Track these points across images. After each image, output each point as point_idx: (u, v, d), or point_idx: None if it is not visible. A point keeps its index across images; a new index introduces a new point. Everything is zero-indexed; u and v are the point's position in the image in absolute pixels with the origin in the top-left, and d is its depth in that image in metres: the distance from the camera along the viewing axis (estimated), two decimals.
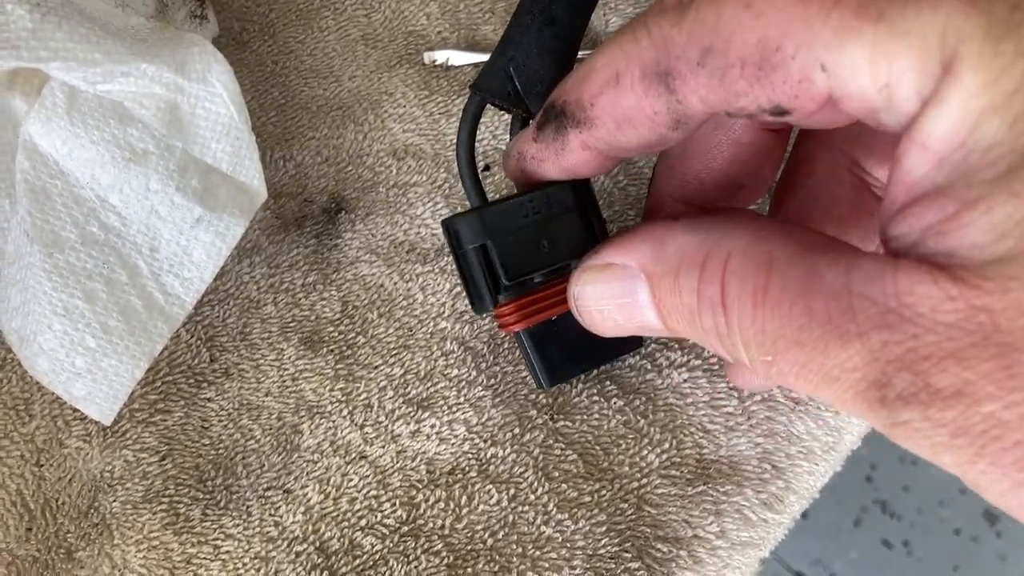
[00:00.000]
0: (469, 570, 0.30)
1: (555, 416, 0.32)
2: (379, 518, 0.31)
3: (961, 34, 0.15)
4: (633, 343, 0.30)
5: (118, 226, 0.30)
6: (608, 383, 0.32)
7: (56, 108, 0.29)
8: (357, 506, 0.32)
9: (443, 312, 0.34)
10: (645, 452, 0.31)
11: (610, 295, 0.22)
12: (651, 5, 0.21)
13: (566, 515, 0.30)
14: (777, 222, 0.20)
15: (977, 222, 0.15)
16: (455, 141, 0.35)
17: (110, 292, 0.30)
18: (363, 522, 0.31)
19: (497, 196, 0.32)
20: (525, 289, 0.28)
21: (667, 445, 0.31)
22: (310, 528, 0.31)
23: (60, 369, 0.30)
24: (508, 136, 0.33)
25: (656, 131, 0.21)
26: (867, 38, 0.16)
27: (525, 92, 0.27)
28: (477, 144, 0.35)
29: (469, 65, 0.37)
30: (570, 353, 0.29)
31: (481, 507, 0.31)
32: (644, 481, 0.31)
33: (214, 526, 0.32)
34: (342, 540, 0.31)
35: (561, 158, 0.24)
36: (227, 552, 0.31)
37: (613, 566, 0.30)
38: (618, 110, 0.21)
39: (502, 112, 0.35)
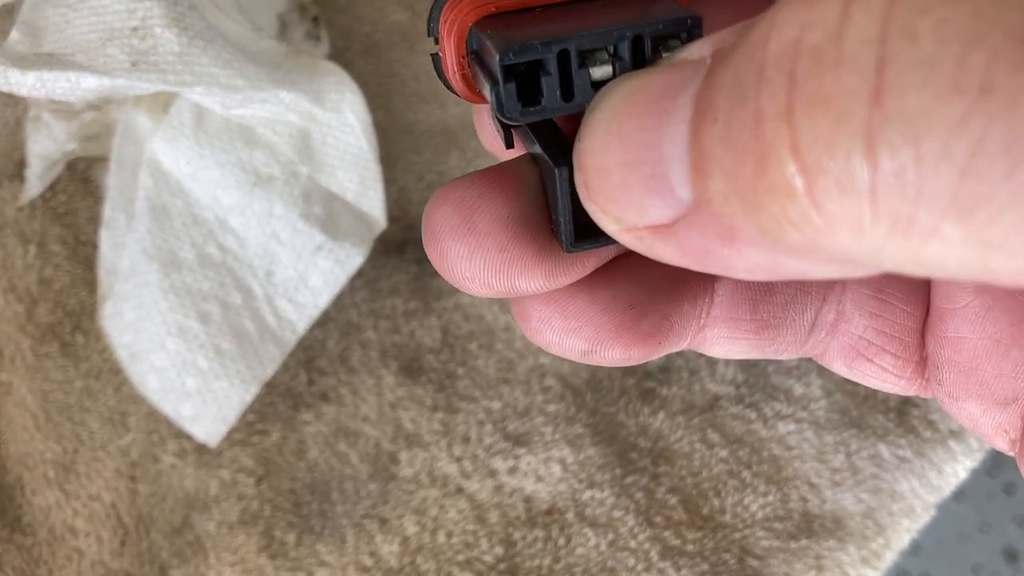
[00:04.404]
0: None
1: (656, 460, 0.32)
2: (476, 554, 0.31)
3: None
4: None
5: (235, 248, 0.30)
6: (710, 431, 0.32)
7: (183, 128, 0.29)
8: (454, 540, 0.31)
9: None
10: (748, 502, 0.31)
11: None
12: None
13: (668, 563, 0.30)
14: None
15: None
16: None
17: (224, 314, 0.29)
18: (460, 557, 0.31)
19: None
20: None
21: (771, 497, 0.31)
22: (406, 560, 0.31)
23: (170, 388, 0.30)
24: None
25: None
26: None
27: None
28: None
29: None
30: None
31: (579, 550, 0.31)
32: (747, 532, 0.31)
33: (308, 552, 0.32)
34: (439, 574, 0.31)
35: None
36: None
37: None
38: None
39: None
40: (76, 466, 0.33)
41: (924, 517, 0.32)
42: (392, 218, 0.35)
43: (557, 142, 0.14)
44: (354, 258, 0.29)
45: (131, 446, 0.33)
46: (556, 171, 0.14)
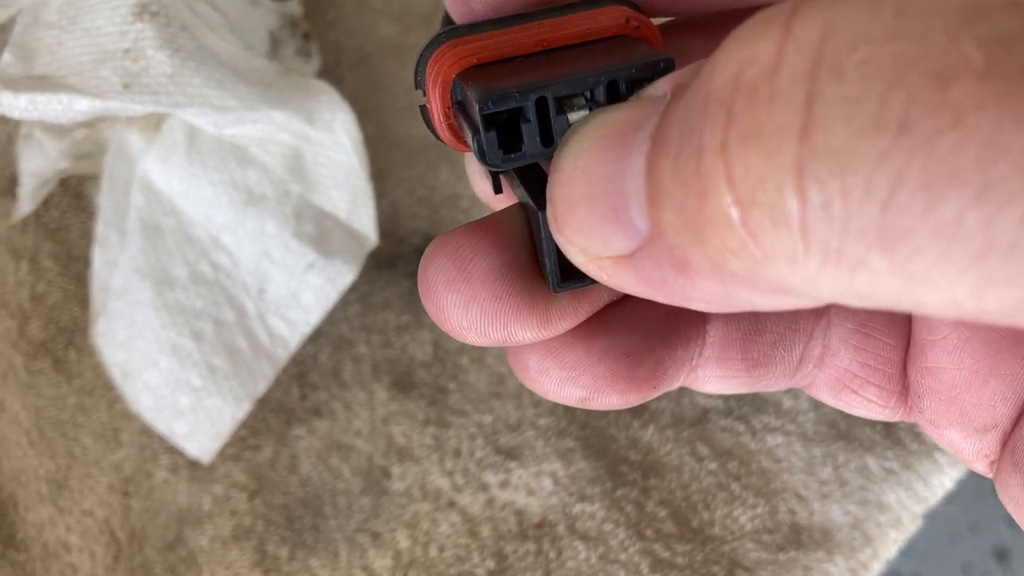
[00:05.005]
0: None
1: (646, 473, 0.32)
2: (468, 567, 0.31)
3: None
4: None
5: (228, 266, 0.30)
6: (700, 444, 0.32)
7: (175, 147, 0.29)
8: (446, 554, 0.32)
9: None
10: (737, 514, 0.31)
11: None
12: None
13: (658, 575, 0.31)
14: None
15: None
16: None
17: (217, 332, 0.30)
18: (452, 571, 0.31)
19: None
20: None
21: (760, 509, 0.31)
22: (399, 573, 0.31)
23: (164, 406, 0.30)
24: None
25: None
26: None
27: None
28: None
29: None
30: None
31: (570, 563, 0.31)
32: (736, 544, 0.31)
33: (301, 566, 0.32)
34: None
35: None
36: None
37: None
38: None
39: None
40: (69, 482, 0.33)
41: (911, 527, 0.32)
42: (383, 232, 0.35)
43: (542, 186, 0.14)
44: (345, 275, 0.30)
45: (124, 461, 0.33)
46: (540, 214, 0.14)
